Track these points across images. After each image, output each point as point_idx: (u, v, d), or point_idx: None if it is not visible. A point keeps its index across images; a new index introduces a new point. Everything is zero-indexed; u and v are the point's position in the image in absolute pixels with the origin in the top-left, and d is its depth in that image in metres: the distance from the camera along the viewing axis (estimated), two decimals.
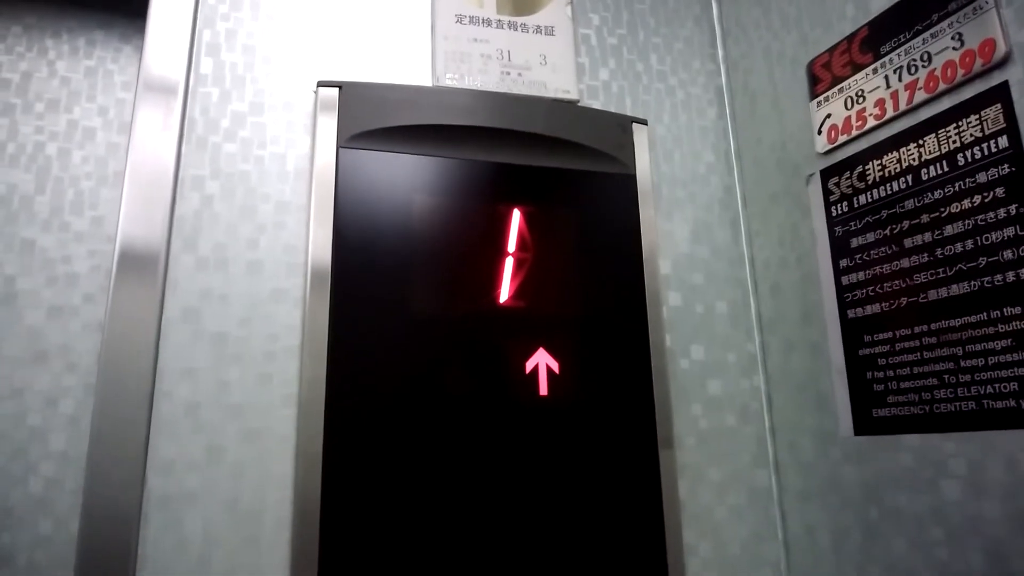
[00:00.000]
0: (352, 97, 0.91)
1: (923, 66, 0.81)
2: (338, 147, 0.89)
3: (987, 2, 0.74)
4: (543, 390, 0.89)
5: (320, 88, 0.91)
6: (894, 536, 0.80)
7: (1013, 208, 0.70)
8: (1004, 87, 0.72)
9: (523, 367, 0.89)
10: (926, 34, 0.81)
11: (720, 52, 1.17)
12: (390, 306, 0.86)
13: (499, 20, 1.03)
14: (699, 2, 1.19)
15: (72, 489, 0.99)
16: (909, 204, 0.81)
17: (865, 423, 0.85)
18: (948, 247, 0.76)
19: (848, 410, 0.87)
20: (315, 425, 0.80)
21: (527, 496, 0.85)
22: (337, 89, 0.91)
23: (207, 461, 0.79)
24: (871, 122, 0.87)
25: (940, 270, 0.77)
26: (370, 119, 0.91)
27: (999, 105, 0.72)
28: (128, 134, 0.85)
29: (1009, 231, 0.70)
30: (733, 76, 1.14)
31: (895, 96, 0.84)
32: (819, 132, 0.94)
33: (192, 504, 0.77)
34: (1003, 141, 0.72)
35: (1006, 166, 0.71)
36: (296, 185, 0.89)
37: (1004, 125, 0.72)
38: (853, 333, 0.87)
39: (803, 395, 0.95)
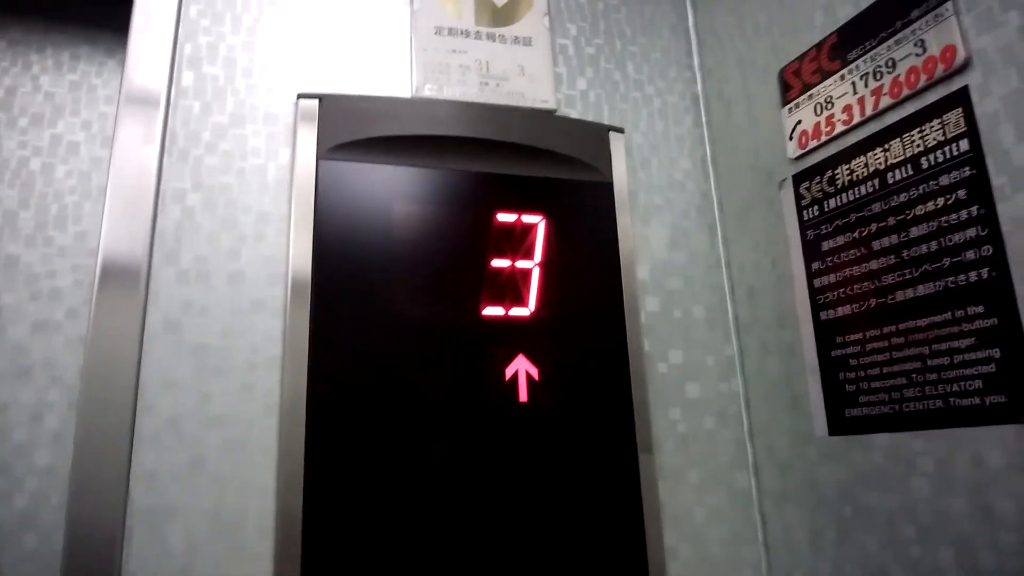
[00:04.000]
0: (332, 109, 0.93)
1: (888, 72, 0.83)
2: (318, 158, 0.90)
3: (947, 9, 0.76)
4: (523, 396, 0.90)
5: (300, 100, 0.93)
6: (867, 534, 0.81)
7: (974, 210, 0.72)
8: (964, 92, 0.74)
9: (503, 374, 0.90)
10: (890, 41, 0.83)
11: (696, 60, 1.19)
12: (370, 315, 0.87)
13: (477, 31, 1.05)
14: (675, 11, 1.21)
15: (57, 504, 1.00)
16: (876, 207, 0.83)
17: (839, 423, 0.87)
18: (914, 248, 0.78)
19: (822, 411, 0.89)
20: (297, 434, 0.81)
21: (509, 501, 0.86)
22: (317, 101, 0.93)
23: (189, 473, 0.79)
24: (839, 128, 0.89)
25: (907, 271, 0.79)
26: (350, 130, 0.92)
27: (960, 109, 0.74)
28: (110, 148, 0.86)
29: (971, 232, 0.72)
30: (709, 84, 1.17)
31: (862, 102, 0.86)
32: (790, 138, 0.96)
33: (175, 516, 0.78)
34: (964, 144, 0.73)
35: (967, 169, 0.73)
36: (276, 196, 0.90)
37: (965, 129, 0.74)
38: (826, 334, 0.89)
39: (780, 397, 0.97)
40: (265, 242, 0.88)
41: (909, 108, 0.80)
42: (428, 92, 0.99)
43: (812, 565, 0.89)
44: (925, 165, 0.78)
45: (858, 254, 0.85)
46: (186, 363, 0.82)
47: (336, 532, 0.79)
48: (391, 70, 1.00)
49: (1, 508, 0.98)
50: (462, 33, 1.03)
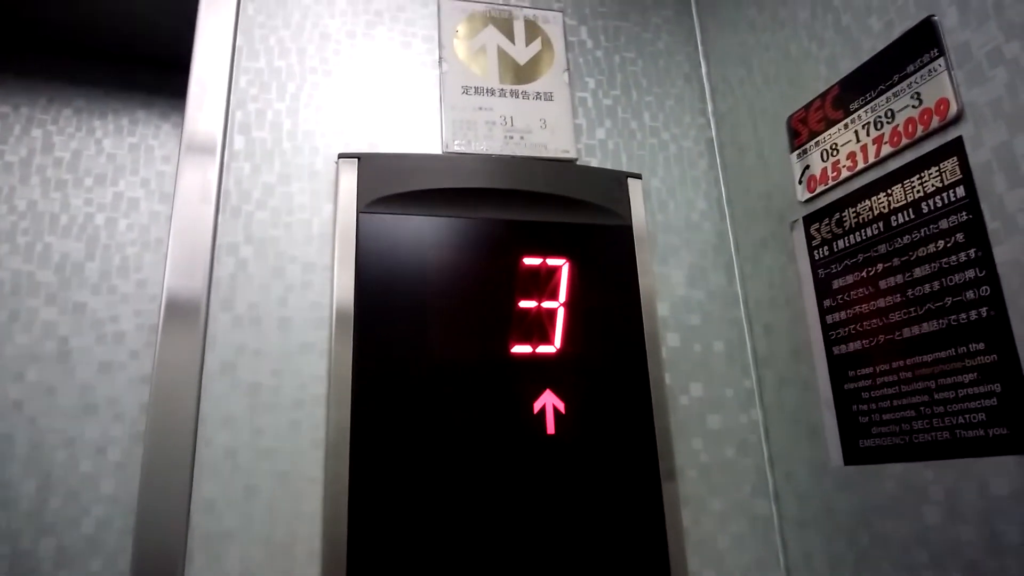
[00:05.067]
0: (369, 166, 1.01)
1: (887, 122, 0.88)
2: (358, 212, 0.98)
3: (940, 65, 0.81)
4: (550, 429, 0.96)
5: (340, 159, 1.01)
6: (883, 560, 0.85)
7: (972, 252, 0.77)
8: (959, 141, 0.79)
9: (531, 408, 0.96)
10: (888, 93, 0.88)
11: (709, 107, 1.26)
12: (408, 355, 0.94)
13: (502, 89, 1.13)
14: (688, 62, 1.29)
15: (120, 529, 1.07)
16: (882, 248, 0.88)
17: (853, 453, 0.90)
18: (918, 288, 0.83)
19: (837, 441, 0.93)
20: (341, 465, 0.88)
21: (539, 528, 0.91)
22: (356, 160, 1.01)
23: (244, 500, 0.86)
24: (845, 173, 0.94)
25: (912, 309, 0.83)
26: (386, 185, 1.00)
27: (955, 158, 0.79)
28: (171, 205, 0.95)
29: (970, 273, 0.77)
30: (722, 130, 1.23)
31: (864, 149, 0.91)
32: (800, 182, 1.02)
33: (232, 540, 0.84)
34: (960, 191, 0.78)
35: (964, 213, 0.78)
36: (321, 247, 0.98)
37: (960, 176, 0.79)
38: (839, 368, 0.93)
39: (797, 427, 1.01)
40: (311, 289, 0.96)
41: (909, 156, 0.85)
42: (457, 147, 1.07)
43: None
44: (925, 209, 0.82)
45: (866, 292, 0.90)
46: (241, 400, 0.90)
47: (378, 555, 0.85)
48: (423, 128, 1.08)
49: (70, 533, 1.06)
50: (487, 91, 1.12)
